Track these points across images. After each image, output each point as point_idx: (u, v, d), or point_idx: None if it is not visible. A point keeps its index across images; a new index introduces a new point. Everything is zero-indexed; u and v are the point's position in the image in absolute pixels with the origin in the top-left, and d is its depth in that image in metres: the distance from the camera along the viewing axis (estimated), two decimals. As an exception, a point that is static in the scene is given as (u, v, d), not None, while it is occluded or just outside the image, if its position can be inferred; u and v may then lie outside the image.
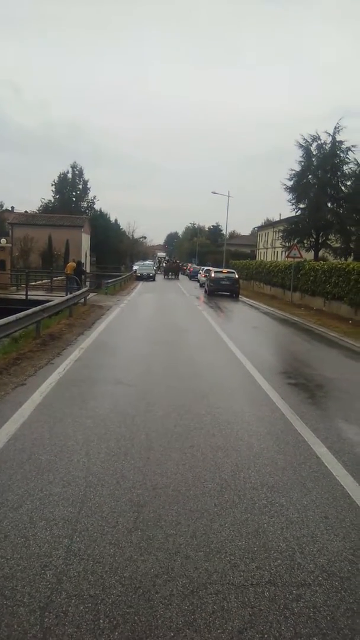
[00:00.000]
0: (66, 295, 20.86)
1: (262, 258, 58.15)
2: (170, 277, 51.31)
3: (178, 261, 63.91)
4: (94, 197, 77.43)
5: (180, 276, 54.17)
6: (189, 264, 60.56)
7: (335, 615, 2.61)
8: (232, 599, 2.70)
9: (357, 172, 28.22)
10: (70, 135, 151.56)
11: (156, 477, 4.12)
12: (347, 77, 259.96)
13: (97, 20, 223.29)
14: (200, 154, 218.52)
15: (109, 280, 27.86)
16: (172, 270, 53.33)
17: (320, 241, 29.79)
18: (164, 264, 60.34)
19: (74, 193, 76.27)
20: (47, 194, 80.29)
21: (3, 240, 29.41)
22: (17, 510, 3.48)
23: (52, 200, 74.24)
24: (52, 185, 75.42)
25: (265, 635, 2.45)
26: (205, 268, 40.76)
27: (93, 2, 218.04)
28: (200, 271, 41.90)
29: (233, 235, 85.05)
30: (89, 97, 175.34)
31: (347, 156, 28.63)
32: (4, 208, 74.63)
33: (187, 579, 2.85)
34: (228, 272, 30.48)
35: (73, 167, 76.10)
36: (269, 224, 64.32)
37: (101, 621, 2.48)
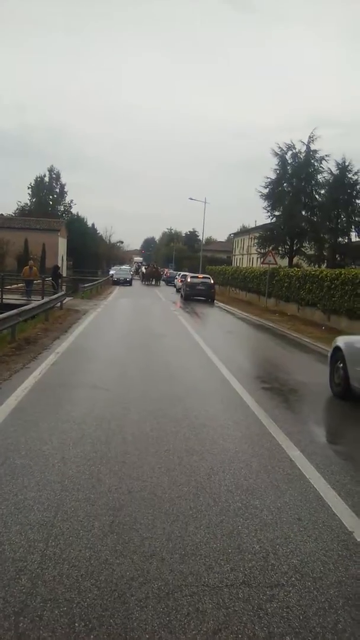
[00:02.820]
0: (25, 299, 20.67)
1: (238, 264, 58.69)
2: (150, 283, 47.71)
3: (158, 267, 58.11)
4: (71, 201, 77.26)
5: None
6: (166, 269, 59.87)
7: (308, 615, 2.66)
8: (206, 600, 2.73)
9: (330, 181, 28.82)
10: (48, 140, 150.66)
11: (132, 481, 4.13)
12: (322, 88, 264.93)
13: (74, 25, 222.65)
14: (177, 161, 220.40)
15: (86, 285, 27.72)
16: (152, 275, 49.15)
17: (294, 248, 30.29)
18: (143, 269, 55.18)
19: (50, 197, 75.88)
20: (24, 197, 79.54)
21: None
22: (-9, 515, 3.44)
23: (29, 203, 73.60)
24: (29, 188, 74.88)
25: (240, 636, 2.49)
26: (182, 273, 40.87)
27: (70, 6, 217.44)
28: (177, 276, 42.01)
29: (209, 241, 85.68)
30: (67, 102, 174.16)
31: (321, 165, 29.28)
32: (-22, 210, 73.52)
33: (162, 581, 2.86)
34: (204, 277, 30.78)
35: (50, 170, 75.83)
36: (244, 231, 65.05)
37: (76, 625, 2.48)
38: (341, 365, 7.50)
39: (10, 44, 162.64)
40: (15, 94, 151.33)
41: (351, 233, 29.30)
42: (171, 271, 56.50)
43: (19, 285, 23.14)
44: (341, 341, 7.84)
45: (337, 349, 7.77)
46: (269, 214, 30.57)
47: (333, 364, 7.88)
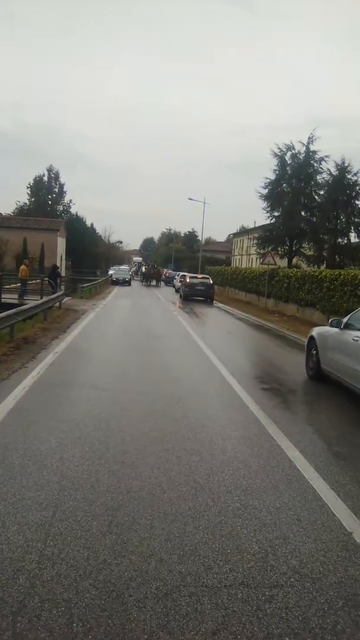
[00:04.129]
0: (19, 298, 20.65)
1: (237, 264, 58.70)
2: (150, 284, 46.77)
3: (159, 266, 56.85)
4: (70, 201, 77.28)
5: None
6: (165, 269, 59.76)
7: (307, 616, 2.65)
8: (205, 601, 2.72)
9: (329, 181, 28.84)
10: (45, 139, 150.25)
11: (131, 481, 4.12)
12: (320, 88, 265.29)
13: (69, 24, 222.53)
14: (176, 161, 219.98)
15: (85, 285, 27.72)
16: (152, 276, 48.06)
17: (294, 249, 30.31)
18: (143, 269, 53.75)
19: (49, 196, 75.89)
20: (22, 197, 79.57)
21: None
22: (-11, 515, 3.43)
23: (28, 203, 73.60)
24: (28, 188, 74.90)
25: (239, 637, 2.48)
26: (181, 274, 40.87)
27: (65, 6, 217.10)
28: (176, 276, 42.01)
29: (209, 241, 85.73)
30: (64, 101, 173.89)
31: (320, 166, 29.31)
32: (-24, 210, 73.51)
33: (161, 581, 2.85)
34: (203, 277, 30.83)
35: (49, 170, 75.86)
36: (244, 231, 65.08)
37: (75, 625, 2.47)
38: (314, 352, 8.77)
39: (4, 43, 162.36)
40: (11, 93, 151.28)
41: (350, 234, 29.30)
42: (170, 271, 56.36)
43: (17, 285, 23.12)
44: (314, 332, 9.14)
45: (312, 338, 9.06)
46: (268, 214, 30.62)
47: (308, 351, 9.21)
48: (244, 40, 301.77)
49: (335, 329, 8.02)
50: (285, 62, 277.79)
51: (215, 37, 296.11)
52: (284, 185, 30.25)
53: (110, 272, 51.30)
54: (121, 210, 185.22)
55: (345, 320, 7.88)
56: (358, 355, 6.98)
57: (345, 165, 28.29)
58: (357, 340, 7.05)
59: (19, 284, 22.54)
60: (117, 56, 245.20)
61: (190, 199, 61.45)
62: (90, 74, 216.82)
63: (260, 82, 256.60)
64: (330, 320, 8.59)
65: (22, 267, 22.88)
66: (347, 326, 7.67)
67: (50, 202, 75.07)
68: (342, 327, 7.80)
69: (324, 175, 29.31)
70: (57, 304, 17.53)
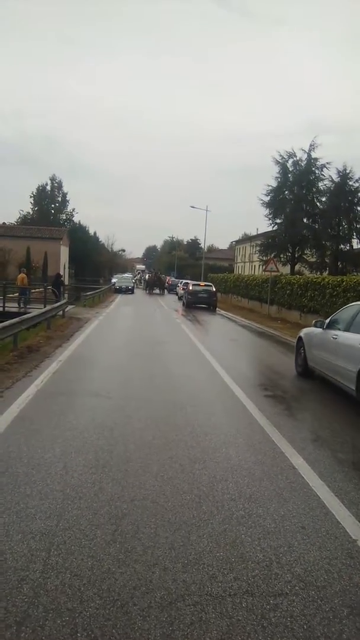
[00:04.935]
0: (19, 306, 20.75)
1: (239, 272, 58.74)
2: (154, 292, 45.60)
3: (162, 274, 54.93)
4: (73, 210, 77.50)
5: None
6: (168, 277, 59.74)
7: (312, 624, 2.64)
8: (210, 610, 2.71)
9: (331, 188, 28.94)
10: (47, 148, 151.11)
11: (134, 490, 4.12)
12: (322, 95, 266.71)
13: (71, 33, 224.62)
14: (178, 169, 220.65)
15: (88, 293, 27.79)
16: (155, 284, 47.05)
17: (296, 256, 30.39)
18: (146, 277, 52.66)
19: (52, 205, 76.18)
20: (25, 206, 79.98)
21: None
22: (-7, 524, 3.43)
23: (31, 212, 73.95)
24: (31, 197, 75.28)
25: (243, 645, 2.47)
26: (184, 281, 40.93)
27: (65, 13, 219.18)
28: (179, 284, 42.08)
29: (211, 249, 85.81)
30: (65, 110, 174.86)
31: (322, 173, 29.46)
32: (-20, 220, 73.87)
33: (165, 590, 2.85)
34: (206, 285, 30.87)
35: (52, 179, 76.23)
36: (246, 238, 65.20)
37: (79, 635, 2.46)
38: (302, 350, 9.65)
39: (5, 52, 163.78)
40: (11, 102, 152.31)
41: (353, 240, 29.39)
42: (173, 279, 56.40)
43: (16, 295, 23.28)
44: (302, 332, 10.08)
45: (300, 339, 9.99)
46: (270, 221, 30.78)
47: (297, 350, 10.14)
48: (244, 46, 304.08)
49: (319, 329, 8.93)
50: (285, 68, 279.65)
51: (214, 45, 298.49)
52: (286, 192, 30.40)
53: (113, 280, 51.38)
54: (124, 218, 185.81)
55: (327, 321, 8.83)
56: (336, 351, 7.85)
57: (347, 172, 28.48)
58: (336, 338, 7.94)
59: (17, 294, 22.70)
60: (118, 65, 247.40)
61: (193, 207, 61.66)
62: (90, 82, 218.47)
63: (260, 88, 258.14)
64: (314, 322, 9.54)
65: (21, 275, 23.04)
66: (329, 326, 8.58)
67: (53, 211, 75.37)
68: (324, 327, 8.73)
69: (326, 182, 29.54)
70: (61, 313, 17.58)
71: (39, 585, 2.81)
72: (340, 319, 8.34)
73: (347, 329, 7.79)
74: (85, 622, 2.55)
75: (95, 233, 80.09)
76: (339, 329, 8.06)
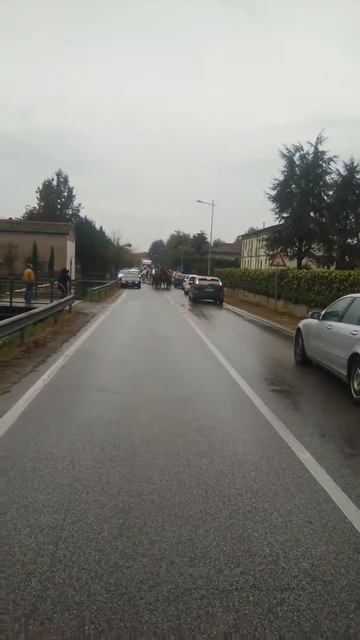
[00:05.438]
0: (25, 301, 20.84)
1: (246, 266, 58.58)
2: (160, 287, 44.58)
3: (170, 269, 53.38)
4: (79, 205, 77.50)
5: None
6: (174, 272, 59.53)
7: (319, 619, 2.64)
8: (216, 603, 2.72)
9: (338, 182, 28.73)
10: (52, 143, 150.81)
11: (141, 484, 4.13)
12: (327, 88, 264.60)
13: (76, 29, 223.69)
14: (184, 163, 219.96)
15: (94, 288, 27.82)
16: (161, 279, 45.61)
17: (303, 250, 30.20)
18: (153, 271, 51.59)
19: (59, 200, 76.26)
20: (32, 201, 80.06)
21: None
22: (1, 518, 3.45)
23: (37, 207, 74.05)
24: (37, 192, 75.37)
25: None
26: (190, 276, 40.82)
27: (70, 12, 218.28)
28: (185, 279, 41.99)
29: (218, 243, 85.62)
30: (71, 106, 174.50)
31: (329, 166, 29.22)
32: (-14, 215, 74.04)
33: (172, 584, 2.86)
34: (212, 279, 30.79)
35: (58, 174, 76.21)
36: (253, 233, 64.90)
37: (86, 628, 2.48)
38: (300, 340, 10.20)
39: (10, 51, 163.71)
40: (18, 98, 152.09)
41: (360, 234, 29.18)
42: (179, 273, 56.25)
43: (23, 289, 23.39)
44: (301, 324, 10.65)
45: (298, 330, 10.56)
46: (277, 215, 30.56)
47: (296, 340, 10.68)
48: (248, 40, 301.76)
49: (316, 320, 9.44)
50: (290, 61, 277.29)
51: (218, 40, 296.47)
52: (293, 186, 30.19)
53: (120, 275, 51.39)
54: (130, 213, 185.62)
55: (322, 312, 9.32)
56: (330, 340, 8.46)
57: (355, 165, 28.21)
58: (330, 328, 8.55)
59: (24, 289, 22.82)
60: (123, 60, 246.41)
61: (199, 201, 61.56)
62: (97, 77, 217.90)
63: (265, 82, 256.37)
64: (311, 313, 10.14)
65: (27, 271, 23.17)
66: (324, 317, 9.11)
67: (59, 206, 75.43)
68: (320, 318, 9.24)
69: (333, 175, 29.27)
70: (67, 308, 17.62)
71: (47, 578, 2.83)
72: (334, 311, 8.90)
73: (340, 320, 8.39)
74: (93, 615, 2.57)
75: (101, 228, 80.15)
76: (334, 320, 8.63)
